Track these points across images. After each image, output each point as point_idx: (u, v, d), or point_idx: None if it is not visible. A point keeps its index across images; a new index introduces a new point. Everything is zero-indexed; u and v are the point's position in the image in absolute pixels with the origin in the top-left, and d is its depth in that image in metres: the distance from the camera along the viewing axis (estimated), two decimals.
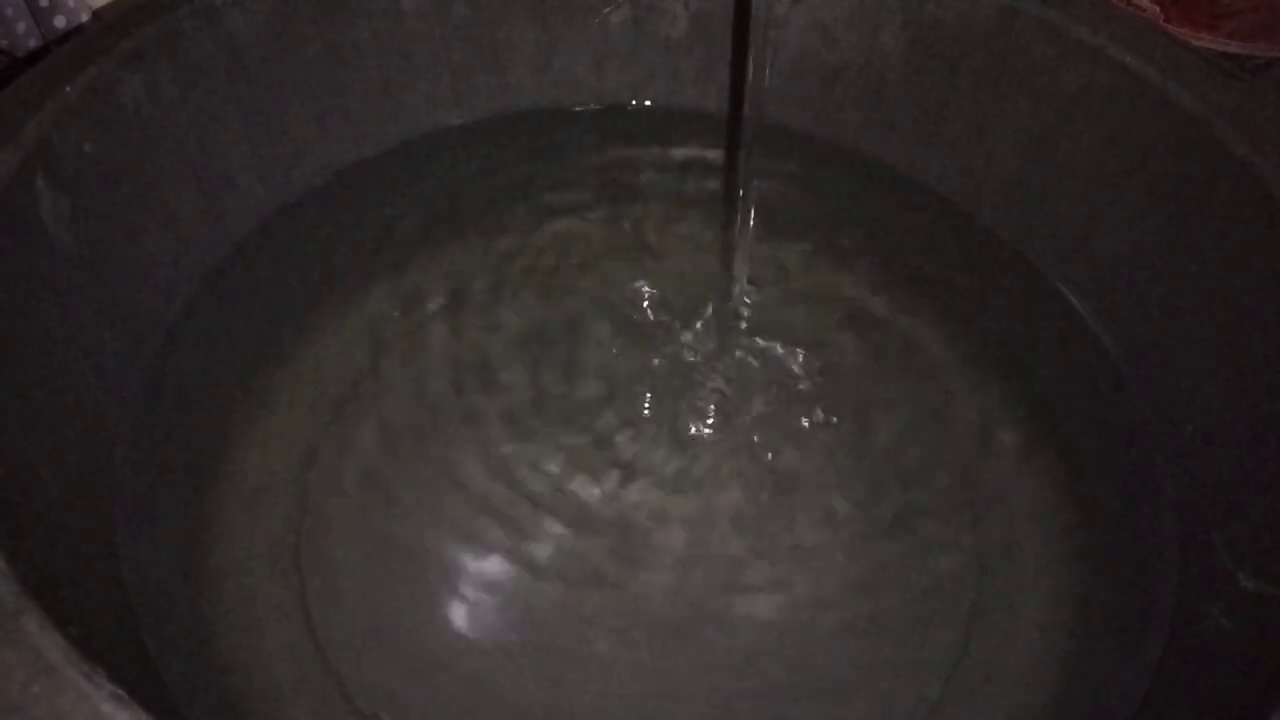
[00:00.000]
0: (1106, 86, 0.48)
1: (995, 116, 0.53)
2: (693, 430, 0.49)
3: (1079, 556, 0.45)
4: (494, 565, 0.44)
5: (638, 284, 0.55)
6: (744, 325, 0.53)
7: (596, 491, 0.46)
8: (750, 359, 0.52)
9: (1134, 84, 0.47)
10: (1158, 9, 0.61)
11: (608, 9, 0.57)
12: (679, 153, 0.61)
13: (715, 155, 0.60)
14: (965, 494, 0.47)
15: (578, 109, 0.61)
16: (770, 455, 0.48)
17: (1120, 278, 0.50)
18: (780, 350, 0.52)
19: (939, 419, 0.50)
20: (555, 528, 0.45)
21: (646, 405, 0.50)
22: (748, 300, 0.54)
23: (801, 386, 0.51)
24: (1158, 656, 0.40)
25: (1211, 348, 0.45)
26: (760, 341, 0.53)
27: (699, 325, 0.53)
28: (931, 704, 0.40)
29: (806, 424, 0.49)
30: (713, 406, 0.50)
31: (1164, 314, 0.48)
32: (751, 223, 0.53)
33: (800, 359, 0.52)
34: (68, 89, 0.42)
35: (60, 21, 0.52)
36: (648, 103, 0.61)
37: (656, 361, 0.52)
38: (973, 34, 0.52)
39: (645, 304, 0.54)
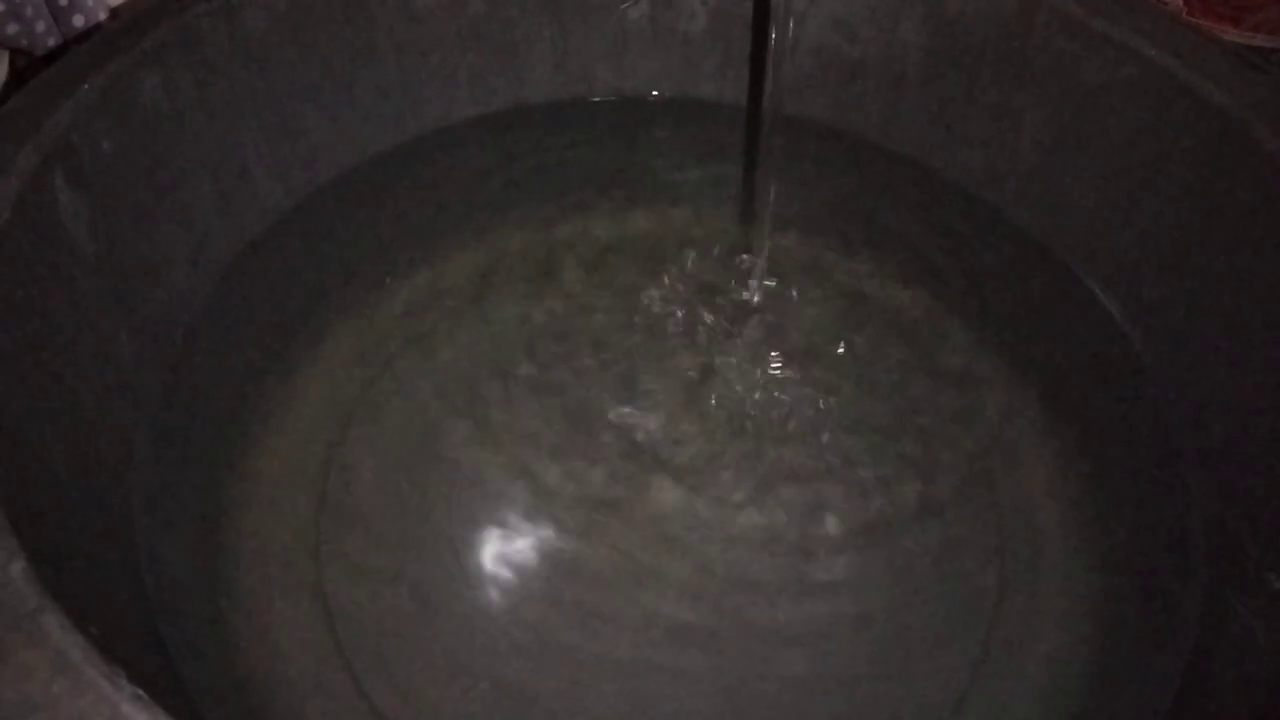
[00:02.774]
0: (1130, 80, 0.48)
1: (1018, 110, 0.53)
2: (711, 425, 0.49)
3: (1105, 557, 0.44)
4: (513, 563, 0.43)
5: (656, 276, 0.55)
6: (762, 316, 0.53)
7: (615, 488, 0.46)
8: (769, 351, 0.52)
9: (1158, 77, 0.47)
10: (1180, 2, 0.60)
11: (625, 5, 0.57)
12: (697, 144, 0.61)
13: (734, 147, 0.60)
14: (988, 491, 0.47)
15: (596, 100, 0.60)
16: (787, 451, 0.48)
17: (1146, 272, 0.49)
18: (799, 342, 0.52)
19: (961, 414, 0.49)
20: (574, 524, 0.45)
21: (666, 400, 0.49)
22: (766, 292, 0.53)
23: (821, 379, 0.50)
24: (1186, 658, 0.39)
25: (1240, 345, 0.45)
26: (779, 333, 0.52)
27: (718, 317, 0.53)
28: (953, 707, 0.40)
29: (825, 418, 0.49)
30: (731, 400, 0.50)
31: (1191, 309, 0.47)
32: (770, 214, 0.53)
33: (819, 351, 0.52)
34: (86, 88, 0.42)
35: (79, 20, 0.52)
36: (666, 95, 0.61)
37: (675, 355, 0.51)
38: (994, 28, 0.51)
39: (664, 296, 0.54)
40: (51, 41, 0.52)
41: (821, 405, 0.49)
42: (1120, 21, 0.48)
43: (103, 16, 0.52)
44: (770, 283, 0.54)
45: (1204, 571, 0.42)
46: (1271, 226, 0.43)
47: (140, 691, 0.25)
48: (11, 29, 0.50)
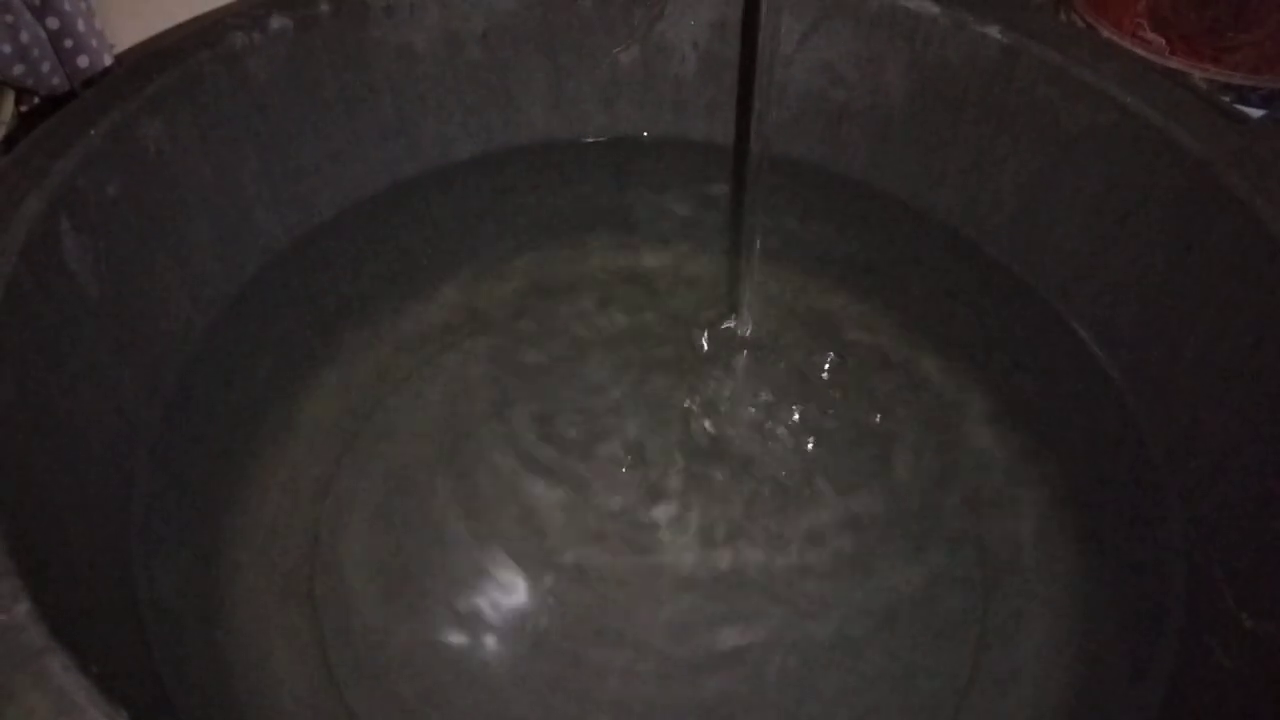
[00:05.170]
0: (1108, 126, 0.49)
1: (999, 153, 0.54)
2: (698, 462, 0.49)
3: (1084, 592, 0.45)
4: (507, 598, 0.44)
5: (646, 314, 0.56)
6: (749, 352, 0.54)
7: (607, 527, 0.47)
8: (755, 388, 0.53)
9: (1136, 125, 0.48)
10: (1163, 41, 0.61)
11: (617, 49, 0.58)
12: (687, 184, 0.62)
13: (723, 187, 0.61)
14: (970, 526, 0.47)
15: (589, 140, 0.62)
16: (773, 486, 0.49)
17: (1126, 311, 0.51)
18: (785, 378, 0.53)
19: (943, 450, 0.50)
20: (566, 560, 0.45)
21: (656, 438, 0.50)
22: (754, 330, 0.54)
23: (806, 416, 0.51)
24: (1161, 694, 0.40)
25: (1216, 383, 0.45)
26: (765, 371, 0.53)
27: (705, 355, 0.54)
28: None
29: (810, 454, 0.50)
30: (718, 437, 0.51)
31: (1169, 348, 0.48)
32: (757, 253, 0.54)
33: (804, 387, 0.52)
34: (92, 133, 0.43)
35: (83, 61, 0.53)
36: (657, 136, 0.62)
37: (664, 393, 0.52)
38: (976, 75, 0.52)
39: (654, 334, 0.55)
40: (56, 81, 0.53)
41: (806, 438, 0.50)
42: (1099, 70, 0.49)
43: (108, 60, 0.53)
44: (757, 319, 0.55)
45: (1181, 607, 0.43)
46: (1244, 268, 0.44)
47: None
48: (17, 70, 0.51)
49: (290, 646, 0.42)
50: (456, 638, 0.43)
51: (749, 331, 0.54)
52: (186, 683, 0.39)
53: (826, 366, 0.54)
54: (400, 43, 0.54)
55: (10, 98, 0.53)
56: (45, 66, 0.52)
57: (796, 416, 0.51)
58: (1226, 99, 0.57)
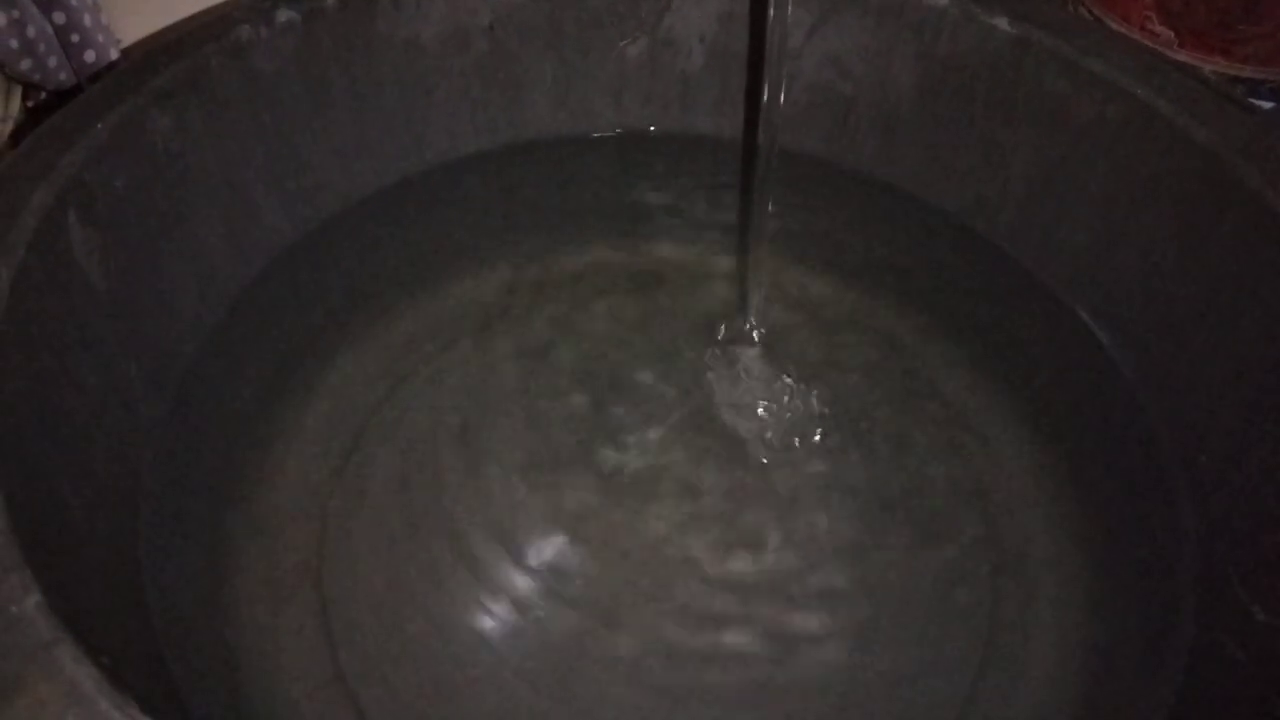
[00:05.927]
0: (1118, 118, 0.49)
1: (1009, 146, 0.54)
2: (707, 453, 0.49)
3: (1095, 587, 0.45)
4: (514, 593, 0.44)
5: (653, 308, 0.56)
6: (759, 349, 0.54)
7: (615, 519, 0.47)
8: (764, 383, 0.52)
9: (1145, 115, 0.48)
10: (1172, 34, 0.61)
11: (624, 43, 0.58)
12: (695, 178, 0.62)
13: (731, 181, 0.61)
14: (980, 520, 0.47)
15: (595, 135, 0.62)
16: (782, 482, 0.49)
17: (1136, 304, 0.50)
18: (794, 374, 0.53)
19: (953, 444, 0.50)
20: (574, 556, 0.45)
21: (666, 433, 0.50)
22: (762, 324, 0.54)
23: (815, 409, 0.51)
24: (1175, 689, 0.40)
25: (1227, 377, 0.45)
26: (774, 365, 0.53)
27: (714, 350, 0.54)
28: None
29: (819, 448, 0.50)
30: (727, 429, 0.50)
31: (1179, 341, 0.48)
32: (767, 247, 0.54)
33: (814, 383, 0.52)
34: (99, 127, 0.43)
35: (90, 56, 0.53)
36: (665, 130, 0.62)
37: (674, 388, 0.52)
38: (984, 66, 0.52)
39: (662, 329, 0.55)
40: (63, 76, 0.53)
41: (816, 433, 0.50)
42: (1108, 61, 0.49)
43: (114, 54, 0.53)
44: (767, 313, 0.55)
45: (1192, 602, 0.43)
46: (1255, 260, 0.44)
47: None
48: (25, 64, 0.51)
49: (298, 640, 0.42)
50: (467, 633, 0.43)
51: (757, 325, 0.54)
52: (194, 675, 0.39)
53: (835, 360, 0.53)
54: (407, 36, 0.54)
55: (17, 93, 0.53)
56: (52, 61, 0.52)
57: (804, 410, 0.51)
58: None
